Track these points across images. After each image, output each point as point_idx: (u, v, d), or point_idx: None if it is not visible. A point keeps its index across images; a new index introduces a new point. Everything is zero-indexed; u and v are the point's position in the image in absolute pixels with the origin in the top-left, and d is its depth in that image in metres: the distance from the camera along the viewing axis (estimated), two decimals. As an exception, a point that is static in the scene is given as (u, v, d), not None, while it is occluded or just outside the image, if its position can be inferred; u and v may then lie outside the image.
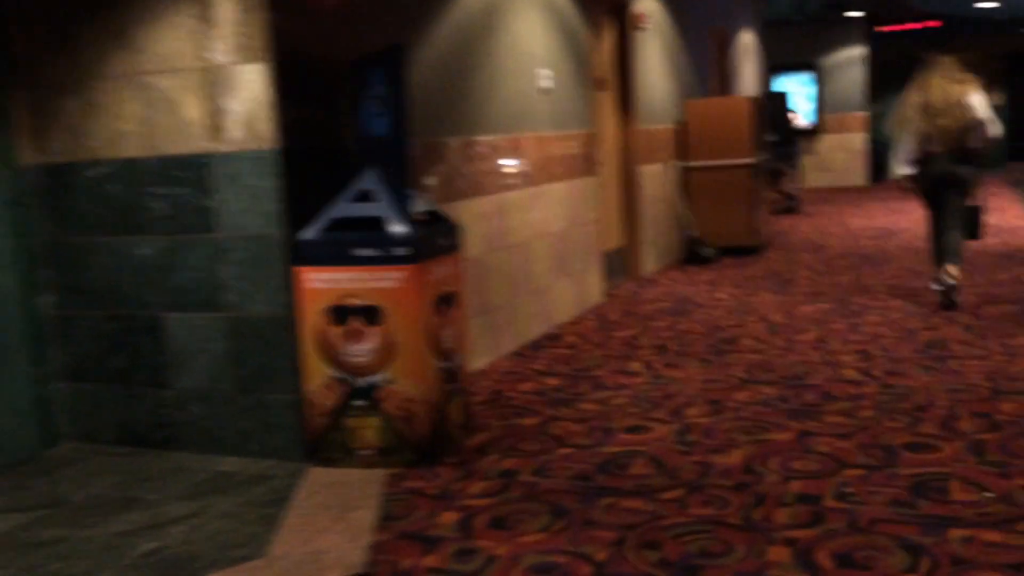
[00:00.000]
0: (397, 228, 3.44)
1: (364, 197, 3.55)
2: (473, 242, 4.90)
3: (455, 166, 4.77)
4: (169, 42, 3.60)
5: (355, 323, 3.49)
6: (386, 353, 3.48)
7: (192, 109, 3.61)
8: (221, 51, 3.52)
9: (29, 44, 3.87)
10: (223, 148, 3.59)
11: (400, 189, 3.50)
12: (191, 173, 3.66)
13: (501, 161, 5.26)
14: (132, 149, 3.75)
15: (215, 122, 3.58)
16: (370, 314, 3.47)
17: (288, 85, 3.56)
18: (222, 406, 3.78)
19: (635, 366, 4.87)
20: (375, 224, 3.48)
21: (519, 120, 5.48)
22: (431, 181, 4.58)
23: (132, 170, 3.77)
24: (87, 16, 3.73)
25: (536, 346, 5.45)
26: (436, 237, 3.64)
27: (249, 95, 3.51)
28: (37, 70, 3.87)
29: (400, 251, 3.42)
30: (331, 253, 3.49)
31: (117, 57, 3.71)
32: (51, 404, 4.06)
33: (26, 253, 3.97)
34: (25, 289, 3.97)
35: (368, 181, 3.57)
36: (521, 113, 5.51)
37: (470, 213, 4.89)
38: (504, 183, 5.29)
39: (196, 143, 3.63)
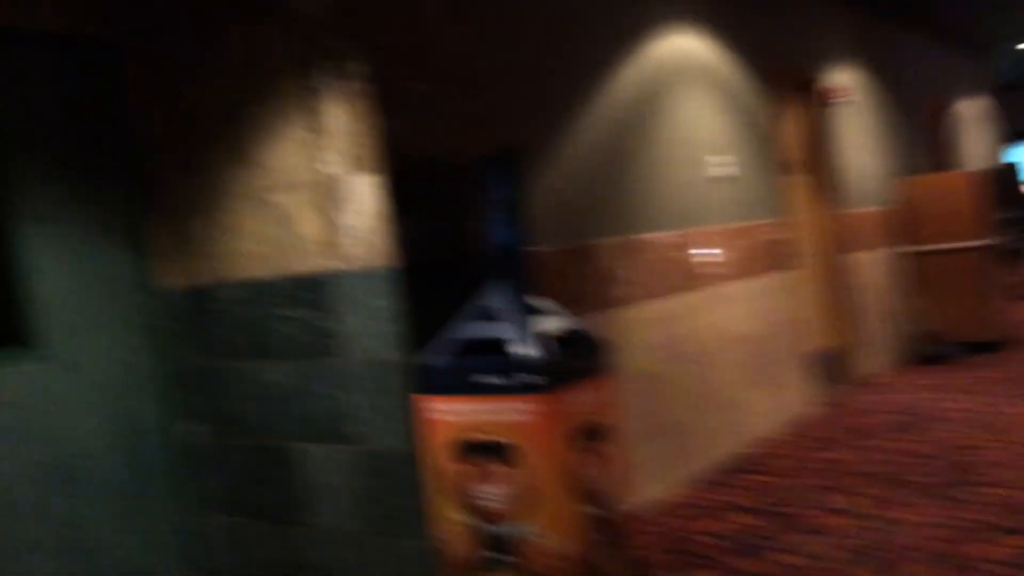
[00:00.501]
0: (524, 351, 2.91)
1: (488, 315, 3.07)
2: (642, 354, 4.29)
3: (612, 270, 4.21)
4: (283, 156, 3.35)
5: (484, 461, 2.97)
6: (522, 498, 2.92)
7: (308, 225, 3.32)
8: (333, 162, 3.21)
9: (163, 167, 3.77)
10: (339, 266, 3.25)
11: (526, 304, 2.99)
12: (310, 293, 3.35)
13: (670, 260, 4.65)
14: (255, 269, 3.51)
15: (330, 238, 3.26)
16: (500, 451, 2.94)
17: (405, 195, 3.18)
18: (353, 549, 3.37)
19: (844, 501, 4.00)
20: (502, 346, 2.99)
21: (690, 213, 4.87)
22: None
23: (257, 291, 3.53)
24: (210, 136, 3.58)
25: (724, 471, 4.68)
26: (576, 359, 3.07)
27: (363, 208, 3.16)
28: (171, 193, 3.76)
29: (528, 378, 2.88)
30: (453, 380, 3.02)
31: (237, 175, 3.52)
32: (190, 540, 3.82)
33: (165, 379, 3.82)
34: (166, 417, 3.80)
35: (492, 296, 3.09)
36: (692, 205, 4.90)
37: (637, 321, 4.29)
38: (677, 284, 4.67)
39: (314, 261, 3.33)
